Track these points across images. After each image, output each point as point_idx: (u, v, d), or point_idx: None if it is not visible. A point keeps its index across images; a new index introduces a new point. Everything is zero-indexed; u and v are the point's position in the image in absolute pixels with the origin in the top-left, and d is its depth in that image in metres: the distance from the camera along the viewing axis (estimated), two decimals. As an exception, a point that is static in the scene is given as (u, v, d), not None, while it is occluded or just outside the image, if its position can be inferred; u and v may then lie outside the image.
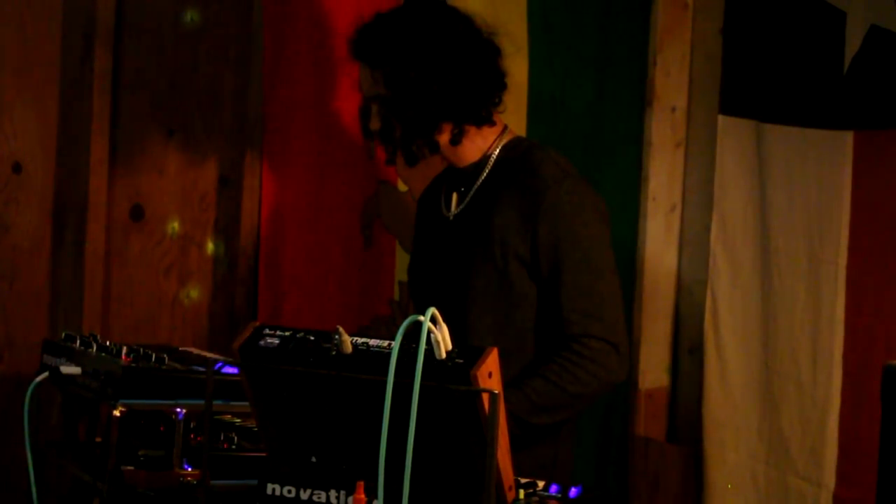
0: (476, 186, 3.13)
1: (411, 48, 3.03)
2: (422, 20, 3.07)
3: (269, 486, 2.45)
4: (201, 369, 2.80)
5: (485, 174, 3.12)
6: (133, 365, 2.75)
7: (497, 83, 3.13)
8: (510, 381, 2.93)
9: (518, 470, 2.48)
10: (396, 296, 4.04)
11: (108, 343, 2.90)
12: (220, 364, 2.75)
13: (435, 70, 3.03)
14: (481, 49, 3.10)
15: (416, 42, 3.03)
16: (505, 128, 3.17)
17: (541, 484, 2.50)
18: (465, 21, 3.11)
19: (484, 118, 3.11)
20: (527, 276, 3.03)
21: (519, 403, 2.92)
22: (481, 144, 3.13)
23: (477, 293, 3.05)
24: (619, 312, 3.05)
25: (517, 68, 3.55)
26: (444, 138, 3.10)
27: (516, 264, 3.03)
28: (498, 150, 3.13)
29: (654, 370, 4.49)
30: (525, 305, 3.04)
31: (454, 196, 3.17)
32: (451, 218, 3.16)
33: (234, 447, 2.80)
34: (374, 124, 3.10)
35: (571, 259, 2.99)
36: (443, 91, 3.03)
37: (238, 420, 2.96)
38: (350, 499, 2.36)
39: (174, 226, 3.90)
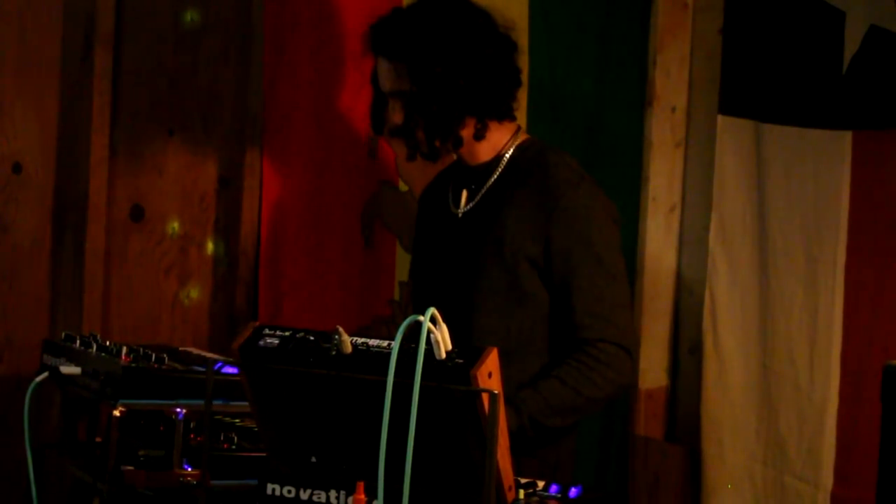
0: (488, 185, 3.11)
1: (437, 42, 3.01)
2: (444, 14, 3.06)
3: (269, 486, 2.46)
4: (201, 369, 2.80)
5: (497, 173, 3.11)
6: (133, 365, 2.76)
7: (515, 77, 3.13)
8: (522, 382, 2.94)
9: (523, 473, 2.49)
10: (396, 296, 4.04)
11: (108, 343, 2.90)
12: (220, 364, 2.75)
13: (461, 64, 3.02)
14: (501, 43, 3.10)
15: (441, 36, 3.02)
16: (518, 128, 3.16)
17: (541, 484, 2.50)
18: (484, 15, 3.11)
19: (506, 112, 3.10)
20: (537, 277, 3.02)
21: (536, 405, 2.91)
22: (495, 143, 3.12)
23: (485, 292, 3.04)
24: (630, 316, 3.06)
25: (517, 68, 3.55)
26: (467, 133, 3.09)
27: (526, 266, 3.02)
28: (512, 150, 3.12)
29: (653, 370, 4.50)
30: (532, 306, 3.03)
31: (464, 193, 3.15)
32: (460, 215, 3.14)
33: (234, 447, 2.80)
34: (397, 119, 3.08)
35: (585, 263, 2.99)
36: (468, 85, 3.03)
37: (238, 420, 2.96)
38: (350, 499, 2.36)
39: (174, 226, 3.90)
